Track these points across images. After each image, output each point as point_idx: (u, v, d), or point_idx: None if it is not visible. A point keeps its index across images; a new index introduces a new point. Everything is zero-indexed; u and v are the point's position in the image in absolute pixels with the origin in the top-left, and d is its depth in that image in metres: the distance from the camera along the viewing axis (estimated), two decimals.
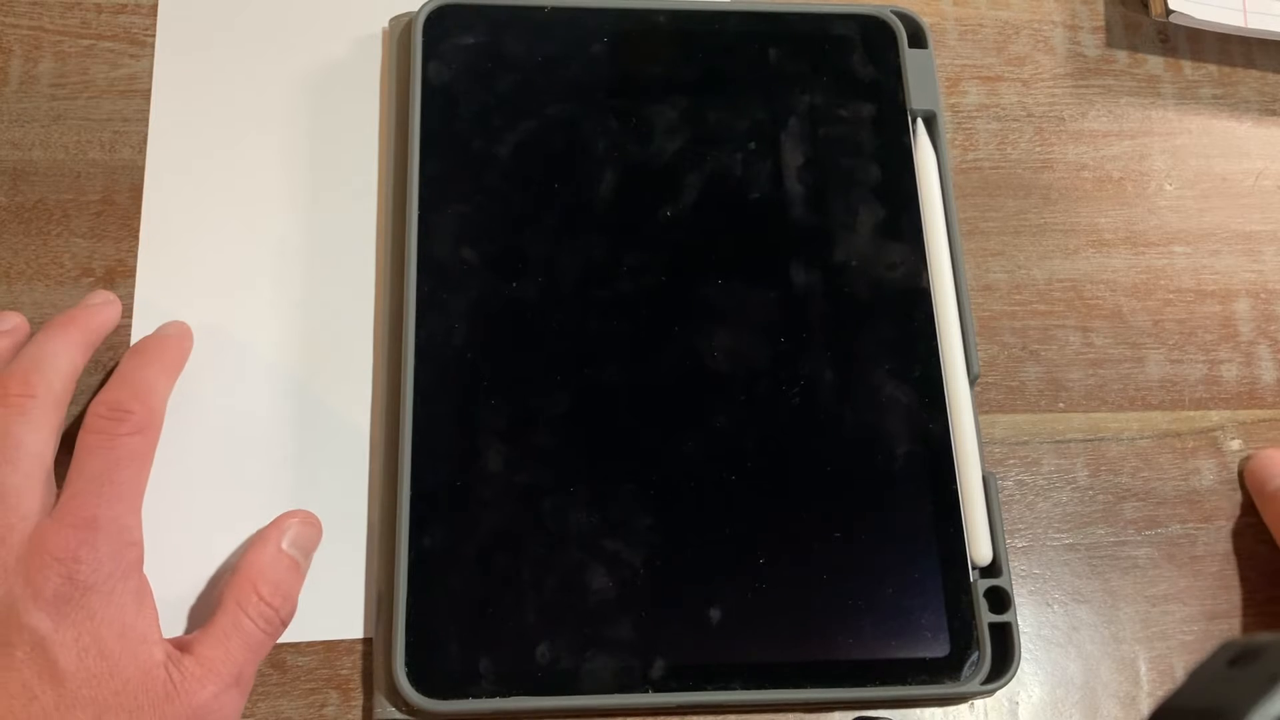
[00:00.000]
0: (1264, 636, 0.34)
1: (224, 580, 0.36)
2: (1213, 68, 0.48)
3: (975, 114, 0.47)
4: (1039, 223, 0.45)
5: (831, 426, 0.40)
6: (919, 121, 0.45)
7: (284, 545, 0.37)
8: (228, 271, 0.41)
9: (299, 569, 0.37)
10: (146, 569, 0.35)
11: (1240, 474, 0.43)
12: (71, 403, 0.37)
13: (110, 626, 0.33)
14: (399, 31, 0.44)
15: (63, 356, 0.37)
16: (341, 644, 0.38)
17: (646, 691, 0.37)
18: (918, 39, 0.45)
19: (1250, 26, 0.47)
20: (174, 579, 0.37)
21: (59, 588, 0.32)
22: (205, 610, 0.36)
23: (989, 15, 0.48)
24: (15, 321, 0.39)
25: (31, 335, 0.39)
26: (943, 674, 0.38)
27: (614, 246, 0.41)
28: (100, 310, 0.39)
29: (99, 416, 0.35)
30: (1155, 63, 0.48)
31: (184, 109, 0.43)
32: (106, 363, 0.40)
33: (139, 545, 0.34)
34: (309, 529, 0.38)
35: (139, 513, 0.35)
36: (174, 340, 0.39)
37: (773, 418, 0.40)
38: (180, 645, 0.34)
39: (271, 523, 0.37)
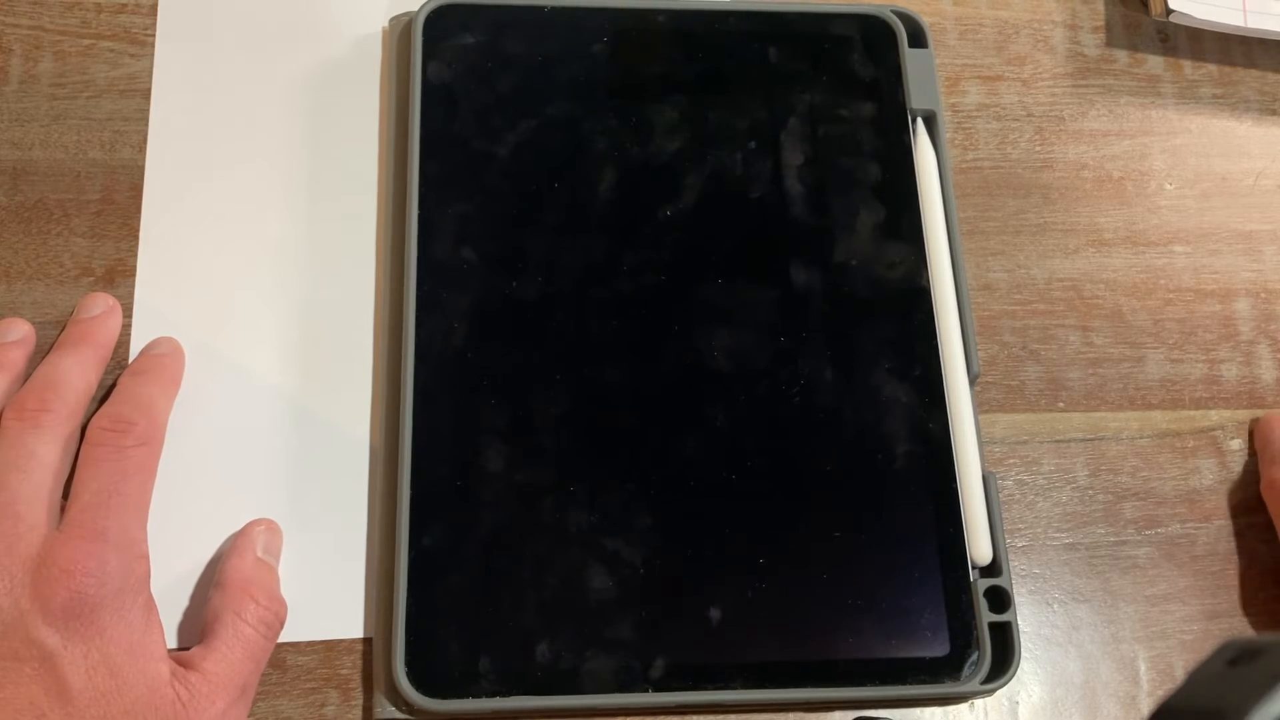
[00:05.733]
0: (1264, 636, 0.34)
1: (211, 595, 0.36)
2: (1213, 67, 0.48)
3: (975, 114, 0.47)
4: (1039, 222, 0.45)
5: (831, 426, 0.40)
6: (919, 121, 0.45)
7: (259, 553, 0.37)
8: (228, 271, 0.41)
9: (276, 574, 0.37)
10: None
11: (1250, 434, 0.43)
12: None
13: (119, 644, 0.33)
14: (399, 31, 0.44)
15: (76, 373, 0.37)
16: (341, 644, 0.38)
17: (646, 691, 0.37)
18: (918, 39, 0.45)
19: (1250, 26, 0.47)
20: (174, 586, 0.37)
21: (67, 602, 0.32)
22: (198, 621, 0.36)
23: (989, 15, 0.48)
24: (24, 331, 0.39)
25: (38, 341, 0.39)
26: (943, 673, 0.38)
27: (614, 246, 0.41)
28: (105, 321, 0.39)
29: (102, 429, 0.35)
30: (1155, 62, 0.48)
31: (184, 108, 0.43)
32: (112, 369, 0.40)
33: (146, 559, 0.34)
34: (275, 535, 0.38)
35: (145, 525, 0.35)
36: (169, 358, 0.39)
37: (773, 417, 0.40)
38: (182, 661, 0.34)
39: (240, 533, 0.37)
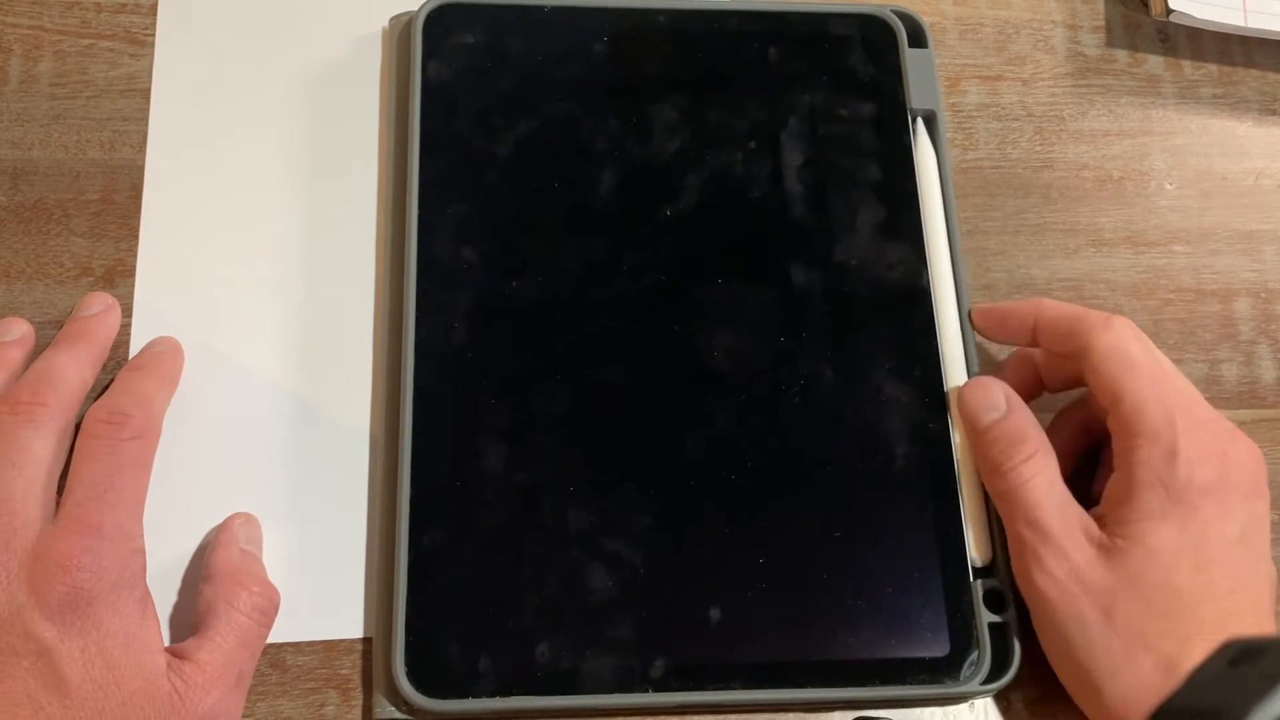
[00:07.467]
0: (1264, 637, 0.34)
1: (202, 588, 0.36)
2: (1213, 67, 0.48)
3: (975, 114, 0.47)
4: (1039, 222, 0.45)
5: (831, 426, 0.40)
6: (919, 121, 0.45)
7: (243, 544, 0.37)
8: (228, 271, 0.41)
9: (262, 563, 0.37)
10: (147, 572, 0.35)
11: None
12: None
13: (115, 637, 0.33)
14: (399, 31, 0.44)
15: (71, 369, 0.37)
16: (341, 644, 0.38)
17: (646, 691, 0.37)
18: (918, 38, 0.45)
19: (1250, 26, 0.47)
20: (175, 583, 0.37)
21: (64, 596, 0.32)
22: (191, 616, 0.36)
23: (989, 15, 0.48)
24: (23, 330, 0.39)
25: (37, 340, 0.39)
26: (942, 674, 0.38)
27: (614, 246, 0.41)
28: (104, 320, 0.39)
29: (99, 421, 0.35)
30: (1155, 62, 0.48)
31: (184, 108, 0.43)
32: (111, 368, 0.40)
33: (142, 552, 0.34)
34: (255, 526, 0.38)
35: (141, 519, 0.35)
36: (168, 355, 0.39)
37: (773, 417, 0.40)
38: (178, 653, 0.34)
39: (220, 527, 0.38)
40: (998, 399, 0.39)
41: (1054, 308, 0.39)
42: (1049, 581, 0.36)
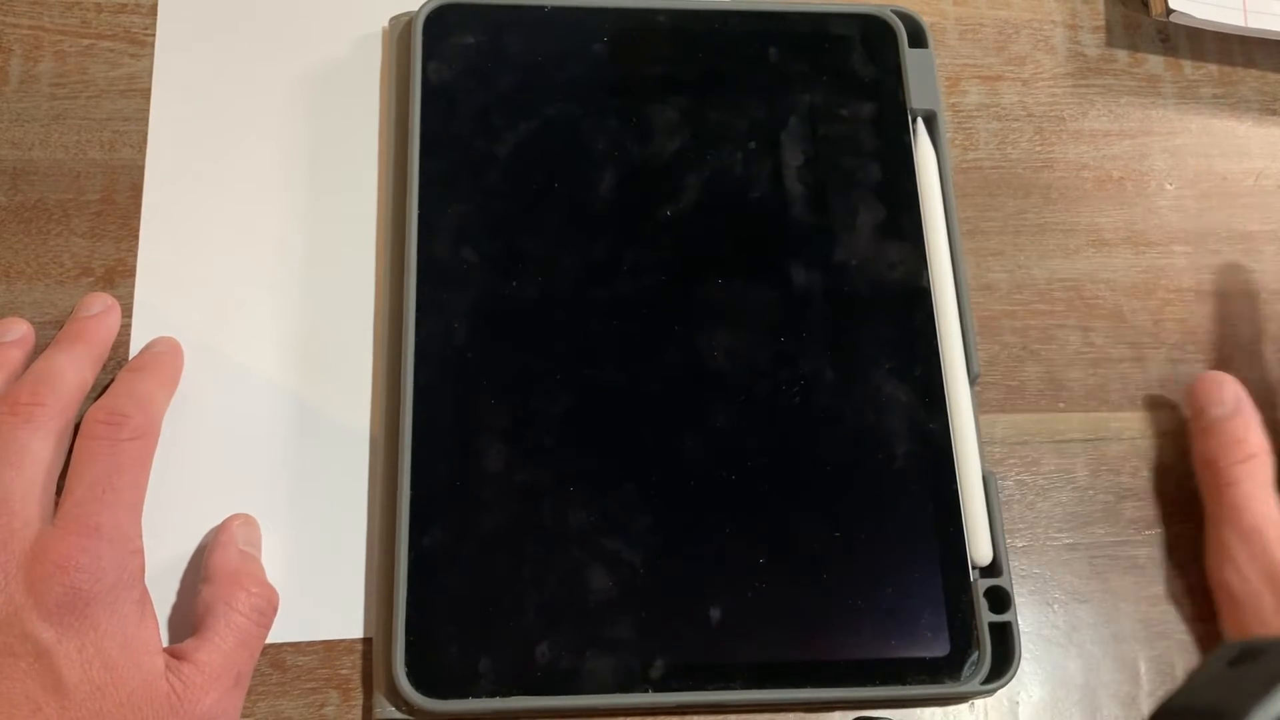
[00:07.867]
0: (1264, 637, 0.34)
1: (200, 589, 0.36)
2: (1213, 67, 0.48)
3: (975, 113, 0.47)
4: (1039, 222, 0.45)
5: (831, 426, 0.40)
6: (919, 121, 0.45)
7: (241, 545, 0.37)
8: (227, 271, 0.41)
9: (261, 564, 0.37)
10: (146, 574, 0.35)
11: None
12: None
13: (113, 637, 0.33)
14: (399, 31, 0.44)
15: (70, 370, 0.37)
16: (341, 644, 0.38)
17: (646, 691, 0.37)
18: (918, 38, 0.45)
19: (1250, 26, 0.47)
20: (175, 584, 0.37)
21: (62, 597, 0.32)
22: (190, 616, 0.36)
23: (989, 15, 0.48)
24: (23, 330, 0.39)
25: (37, 340, 0.39)
26: (943, 674, 0.38)
27: (614, 246, 0.41)
28: (103, 320, 0.39)
29: (98, 422, 0.35)
30: (1155, 62, 0.48)
31: (184, 108, 0.43)
32: (111, 368, 0.40)
33: (140, 553, 0.34)
34: (254, 528, 0.38)
35: (139, 519, 0.35)
36: (168, 356, 0.39)
37: (773, 417, 0.40)
38: (176, 654, 0.34)
39: (219, 528, 0.38)
40: (1227, 395, 0.41)
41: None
42: (1239, 579, 0.38)
